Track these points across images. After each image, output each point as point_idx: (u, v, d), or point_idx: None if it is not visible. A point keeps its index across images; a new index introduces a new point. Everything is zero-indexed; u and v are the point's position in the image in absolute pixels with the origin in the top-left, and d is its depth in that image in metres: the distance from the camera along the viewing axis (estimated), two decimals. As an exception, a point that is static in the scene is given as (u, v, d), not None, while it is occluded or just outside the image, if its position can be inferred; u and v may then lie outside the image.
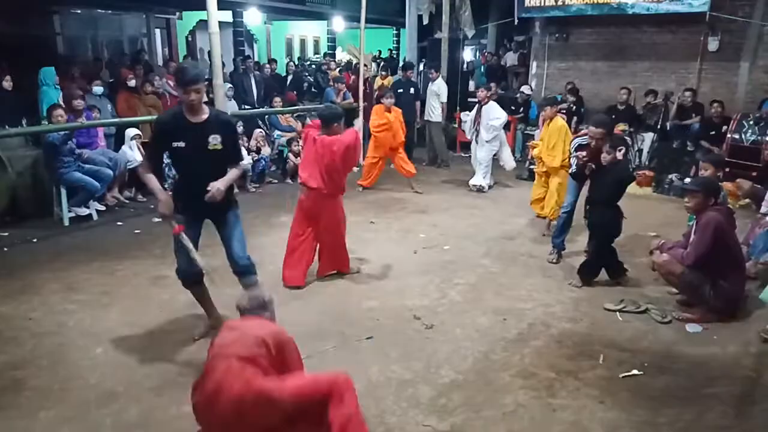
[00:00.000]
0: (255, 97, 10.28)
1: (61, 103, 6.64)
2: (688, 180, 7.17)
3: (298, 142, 8.66)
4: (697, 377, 3.51)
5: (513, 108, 10.30)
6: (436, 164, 9.74)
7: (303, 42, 21.95)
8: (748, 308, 4.36)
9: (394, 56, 18.44)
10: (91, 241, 5.77)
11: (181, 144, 3.48)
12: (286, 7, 14.82)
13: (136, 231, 6.06)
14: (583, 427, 3.02)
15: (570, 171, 5.36)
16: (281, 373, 2.49)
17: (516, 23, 11.04)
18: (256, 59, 14.98)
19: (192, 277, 3.68)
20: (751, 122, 7.92)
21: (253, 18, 15.47)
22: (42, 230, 5.94)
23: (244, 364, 2.37)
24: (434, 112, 9.44)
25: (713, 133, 8.40)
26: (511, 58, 14.30)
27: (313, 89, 11.84)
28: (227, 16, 13.58)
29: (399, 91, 9.09)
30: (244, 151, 7.81)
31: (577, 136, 5.56)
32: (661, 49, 10.03)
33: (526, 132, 10.11)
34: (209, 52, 9.72)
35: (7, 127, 6.06)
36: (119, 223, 6.35)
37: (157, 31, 16.77)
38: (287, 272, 4.73)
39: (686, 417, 3.12)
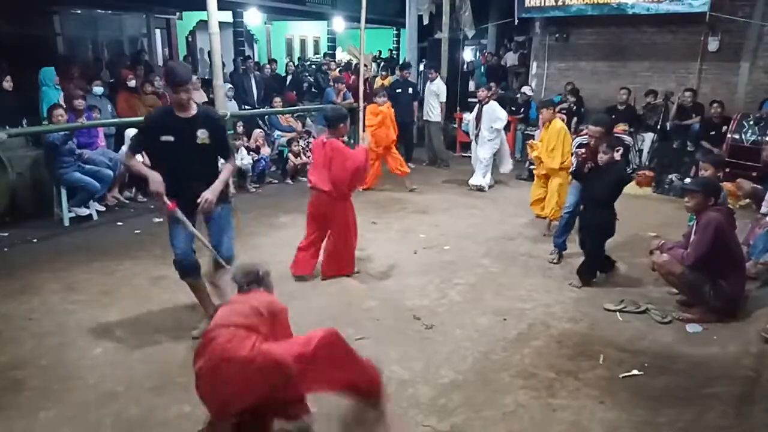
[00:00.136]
0: (255, 98, 10.29)
1: (62, 103, 6.64)
2: (688, 180, 7.17)
3: (298, 142, 8.68)
4: (697, 377, 3.51)
5: (513, 109, 10.30)
6: (436, 164, 9.74)
7: (303, 42, 21.95)
8: (748, 308, 4.36)
9: (395, 56, 18.45)
10: (91, 241, 5.77)
11: (170, 138, 3.57)
12: (286, 7, 14.83)
13: (136, 231, 6.06)
14: (583, 427, 3.02)
15: (570, 170, 5.36)
16: (275, 339, 2.60)
17: (516, 23, 11.04)
18: (256, 59, 14.99)
19: (189, 267, 3.73)
20: (751, 122, 7.92)
21: (253, 18, 15.48)
22: (42, 230, 5.94)
23: (248, 332, 2.48)
24: (433, 112, 9.44)
25: (713, 133, 8.41)
26: (511, 59, 14.30)
27: (313, 89, 11.84)
28: (227, 16, 13.58)
29: (397, 91, 9.10)
30: (243, 151, 7.83)
31: (579, 136, 5.56)
32: (661, 50, 10.03)
33: (526, 132, 10.11)
34: (209, 53, 9.73)
35: (7, 127, 6.05)
36: (119, 224, 6.35)
37: (157, 32, 16.78)
38: (296, 265, 4.87)
39: (686, 417, 3.12)
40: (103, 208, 6.66)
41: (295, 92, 11.11)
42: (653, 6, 9.27)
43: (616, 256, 5.33)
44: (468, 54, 17.08)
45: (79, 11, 14.95)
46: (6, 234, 5.85)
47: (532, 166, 7.29)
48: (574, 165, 5.17)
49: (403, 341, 3.86)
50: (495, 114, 7.89)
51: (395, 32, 20.23)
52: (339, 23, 17.17)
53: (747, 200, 6.35)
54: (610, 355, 3.72)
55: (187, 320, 4.05)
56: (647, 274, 4.93)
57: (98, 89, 7.80)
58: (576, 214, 5.25)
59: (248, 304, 2.64)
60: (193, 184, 3.58)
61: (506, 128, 8.56)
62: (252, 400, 2.53)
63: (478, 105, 8.15)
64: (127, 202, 7.04)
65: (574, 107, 9.78)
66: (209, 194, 3.59)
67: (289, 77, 12.28)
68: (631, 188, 7.36)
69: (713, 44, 9.45)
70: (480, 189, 8.07)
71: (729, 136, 7.98)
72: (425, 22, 11.61)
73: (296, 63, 15.21)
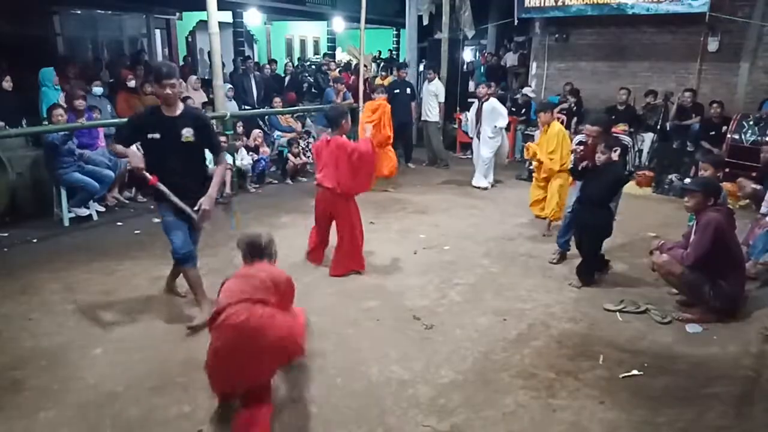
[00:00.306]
0: (255, 98, 10.29)
1: (63, 103, 6.64)
2: (688, 180, 7.17)
3: (299, 143, 8.69)
4: (696, 377, 3.51)
5: (514, 109, 10.31)
6: (435, 164, 9.74)
7: (303, 42, 21.95)
8: (747, 308, 4.36)
9: (394, 57, 18.45)
10: (91, 241, 5.77)
11: (157, 135, 3.78)
12: (286, 8, 14.83)
13: (136, 231, 6.06)
14: (582, 428, 3.02)
15: (569, 167, 5.36)
16: (282, 308, 2.79)
17: (516, 24, 11.04)
18: (256, 60, 14.99)
19: (187, 257, 3.91)
20: (751, 123, 7.92)
21: (253, 18, 15.49)
22: (42, 230, 5.94)
23: (262, 306, 2.64)
24: (431, 112, 9.45)
25: (713, 133, 8.41)
26: (511, 59, 14.31)
27: (312, 90, 11.84)
28: (227, 16, 13.59)
29: (395, 91, 9.10)
30: (243, 152, 7.83)
31: (579, 134, 5.57)
32: (660, 50, 10.03)
33: (525, 132, 10.12)
34: (209, 53, 9.73)
35: (7, 127, 6.06)
36: (119, 224, 6.35)
37: (157, 32, 16.78)
38: (310, 255, 5.19)
39: (686, 417, 3.12)
40: (103, 209, 6.65)
41: (294, 92, 11.12)
42: (653, 6, 9.27)
43: (616, 256, 5.34)
44: (468, 54, 17.08)
45: (79, 11, 14.95)
46: (6, 234, 5.85)
47: (531, 167, 7.29)
48: (572, 162, 5.17)
49: (403, 341, 3.86)
50: (496, 111, 7.90)
51: (395, 32, 20.25)
52: (339, 23, 17.18)
53: (747, 200, 6.36)
54: (609, 355, 3.72)
55: (187, 320, 4.05)
56: (647, 274, 4.93)
57: (98, 89, 7.80)
58: None
59: (257, 277, 2.73)
60: (179, 181, 3.80)
61: (506, 128, 8.56)
62: (272, 372, 2.74)
63: (477, 102, 8.14)
64: (127, 202, 7.03)
65: (574, 107, 9.79)
66: (207, 205, 3.82)
67: (288, 78, 12.28)
68: (631, 188, 7.37)
69: (713, 44, 9.45)
70: (484, 189, 8.08)
71: (729, 136, 7.98)
72: (425, 22, 11.61)
73: (295, 63, 15.21)
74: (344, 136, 4.84)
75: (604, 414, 3.13)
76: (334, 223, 5.00)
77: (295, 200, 6.95)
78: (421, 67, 13.05)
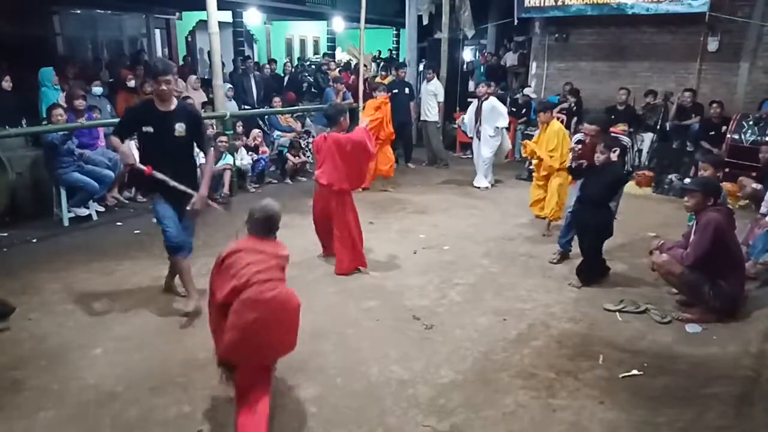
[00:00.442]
0: (255, 98, 10.29)
1: (62, 103, 6.64)
2: (687, 180, 7.17)
3: (300, 144, 8.70)
4: (696, 377, 3.51)
5: (514, 109, 10.30)
6: (435, 164, 9.74)
7: (303, 42, 21.95)
8: (747, 308, 4.36)
9: (394, 56, 18.45)
10: (91, 241, 5.76)
11: (150, 129, 3.94)
12: (286, 8, 14.82)
13: (136, 231, 6.06)
14: (582, 428, 3.02)
15: (567, 166, 5.36)
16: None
17: (516, 23, 11.03)
18: (255, 59, 14.99)
19: (179, 247, 4.04)
20: (751, 123, 7.92)
21: (252, 18, 15.48)
22: (42, 230, 5.94)
23: (282, 283, 2.81)
24: (431, 112, 9.45)
25: (713, 133, 8.41)
26: (510, 59, 14.30)
27: (312, 90, 11.84)
28: (227, 16, 13.57)
29: (394, 91, 9.10)
30: (243, 151, 7.82)
31: (578, 133, 5.57)
32: (660, 50, 10.03)
33: (525, 132, 10.12)
34: (209, 53, 9.73)
35: (7, 127, 6.05)
36: (119, 224, 6.35)
37: (157, 32, 16.78)
38: (325, 251, 5.33)
39: (686, 417, 3.12)
40: (102, 209, 6.65)
41: (294, 92, 11.12)
42: (653, 6, 9.27)
43: (616, 256, 5.34)
44: (468, 54, 17.08)
45: (78, 11, 14.95)
46: (6, 234, 5.84)
47: (531, 167, 7.30)
48: (570, 161, 5.17)
49: (402, 341, 3.86)
50: (495, 111, 7.90)
51: (395, 32, 20.24)
52: (339, 23, 17.18)
53: (746, 201, 6.36)
54: (609, 355, 3.72)
55: (187, 320, 4.05)
56: (647, 274, 4.93)
57: (97, 89, 7.80)
58: None
59: (275, 258, 2.83)
60: (170, 173, 3.92)
61: (506, 128, 8.56)
62: (293, 347, 2.89)
63: (477, 101, 8.14)
64: (126, 202, 7.03)
65: (574, 107, 9.79)
66: (198, 205, 4.02)
67: (287, 77, 12.28)
68: (631, 188, 7.37)
69: (713, 44, 9.45)
70: (485, 188, 8.07)
71: (728, 136, 7.98)
72: (425, 22, 11.60)
73: (295, 63, 15.21)
74: (343, 131, 4.90)
75: (604, 414, 3.13)
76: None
77: (294, 200, 6.95)
78: (421, 67, 13.06)
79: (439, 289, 4.72)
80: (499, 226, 6.50)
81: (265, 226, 2.93)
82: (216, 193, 6.85)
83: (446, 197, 7.78)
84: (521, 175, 8.85)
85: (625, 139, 5.84)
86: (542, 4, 10.39)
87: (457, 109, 10.74)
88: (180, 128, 3.97)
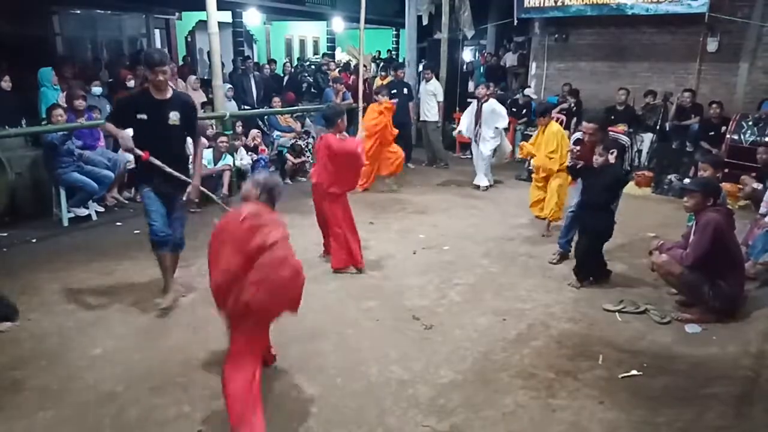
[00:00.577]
0: (254, 98, 10.29)
1: (62, 103, 6.63)
2: (687, 180, 7.17)
3: (301, 146, 8.70)
4: (696, 377, 3.51)
5: (514, 110, 10.30)
6: (435, 164, 9.74)
7: (302, 42, 21.96)
8: (747, 309, 4.36)
9: (394, 57, 18.46)
10: (90, 241, 5.76)
11: (144, 116, 3.97)
12: (286, 8, 14.83)
13: (136, 231, 6.05)
14: (582, 428, 3.03)
15: (567, 165, 5.36)
16: None
17: (515, 24, 11.04)
18: (255, 60, 14.99)
19: (163, 241, 4.10)
20: (750, 123, 7.92)
21: (252, 18, 15.49)
22: (41, 230, 5.94)
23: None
24: (430, 112, 9.45)
25: (712, 133, 8.42)
26: (510, 59, 14.31)
27: (312, 90, 11.84)
28: (227, 16, 13.58)
29: (393, 91, 9.09)
30: (243, 151, 7.82)
31: (577, 131, 5.57)
32: (660, 50, 10.03)
33: (525, 133, 10.12)
34: (209, 53, 9.73)
35: (6, 127, 6.05)
36: (118, 224, 6.35)
37: (157, 32, 16.78)
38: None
39: (685, 417, 3.12)
40: (102, 209, 6.65)
41: (293, 92, 11.12)
42: (652, 6, 9.28)
43: (616, 256, 5.34)
44: (467, 54, 17.08)
45: (78, 11, 14.95)
46: (5, 234, 5.84)
47: (530, 167, 7.30)
48: (569, 161, 5.16)
49: (402, 341, 3.86)
50: (495, 113, 7.89)
51: (394, 32, 20.26)
52: (338, 23, 17.19)
53: (746, 201, 6.36)
54: (609, 355, 3.73)
55: (187, 320, 4.06)
56: (646, 274, 4.93)
57: (97, 89, 7.80)
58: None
59: (281, 226, 2.87)
60: (161, 160, 3.97)
61: (506, 128, 8.56)
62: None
63: (476, 103, 8.13)
64: (126, 202, 7.03)
65: (574, 108, 9.79)
66: (194, 195, 4.17)
67: (286, 78, 12.28)
68: (630, 188, 7.37)
69: (712, 45, 9.46)
70: (485, 189, 8.07)
71: (728, 136, 7.98)
72: (425, 22, 11.61)
73: (294, 63, 15.21)
74: (339, 134, 4.92)
75: (604, 414, 3.13)
76: None
77: (293, 200, 6.95)
78: (421, 68, 13.07)
79: (439, 289, 4.72)
80: (499, 226, 6.50)
81: (270, 197, 3.03)
82: (215, 193, 6.84)
83: (446, 197, 7.78)
84: (521, 175, 8.85)
85: (624, 138, 5.84)
86: (542, 5, 10.40)
87: (457, 109, 10.74)
88: (174, 117, 4.02)
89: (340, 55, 18.43)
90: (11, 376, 3.37)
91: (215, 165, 7.05)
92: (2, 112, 6.58)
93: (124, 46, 16.16)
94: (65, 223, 6.15)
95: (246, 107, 9.80)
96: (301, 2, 14.94)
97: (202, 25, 13.66)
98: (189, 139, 4.50)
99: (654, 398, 3.28)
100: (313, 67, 14.38)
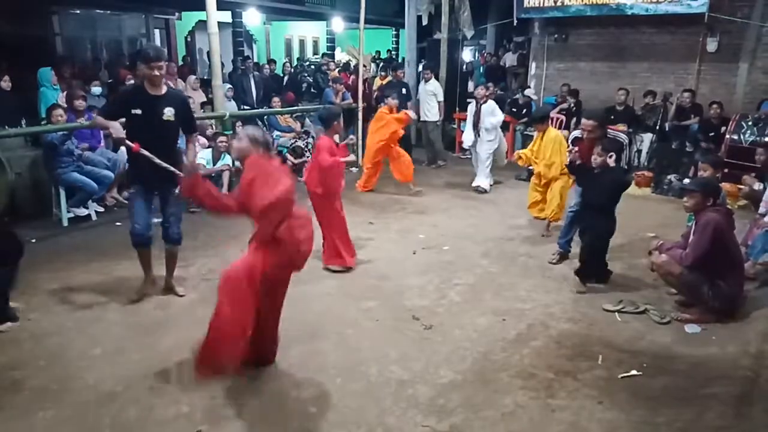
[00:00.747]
0: (254, 98, 10.29)
1: (62, 102, 6.63)
2: (687, 181, 7.17)
3: (302, 149, 8.70)
4: (695, 377, 3.51)
5: (514, 110, 10.30)
6: (434, 164, 9.74)
7: (302, 42, 21.98)
8: (746, 309, 4.37)
9: (394, 57, 18.47)
10: (90, 241, 5.76)
11: (139, 111, 3.99)
12: (286, 8, 14.84)
13: (135, 231, 6.05)
14: (582, 428, 3.03)
15: (566, 164, 5.36)
16: None
17: (515, 24, 11.03)
18: (255, 60, 14.99)
19: (144, 240, 4.24)
20: (750, 123, 7.92)
21: (252, 18, 15.50)
22: (41, 230, 5.93)
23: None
24: (430, 112, 9.44)
25: (712, 133, 8.42)
26: (510, 59, 14.32)
27: (312, 90, 11.85)
28: (226, 16, 13.59)
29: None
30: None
31: (575, 129, 5.57)
32: (659, 50, 10.03)
33: (525, 133, 10.12)
34: (208, 53, 9.71)
35: (6, 127, 6.05)
36: (118, 224, 6.33)
37: (156, 32, 16.78)
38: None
39: (685, 417, 3.12)
40: (101, 209, 6.64)
41: (293, 92, 11.12)
42: (652, 7, 9.27)
43: (616, 256, 5.34)
44: (467, 54, 17.10)
45: (78, 11, 14.96)
46: (5, 234, 5.83)
47: (530, 167, 7.29)
48: (568, 160, 5.16)
49: (402, 341, 3.86)
50: (494, 114, 7.88)
51: (394, 32, 20.28)
52: (338, 23, 17.20)
53: (746, 201, 6.36)
54: (608, 355, 3.73)
55: (187, 321, 4.05)
56: (646, 274, 4.94)
57: (96, 89, 7.80)
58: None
59: (290, 175, 3.04)
60: (155, 155, 3.97)
61: (505, 128, 8.54)
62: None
63: (475, 103, 8.12)
64: (125, 202, 6.99)
65: (574, 108, 9.79)
66: (189, 167, 3.98)
67: (286, 78, 12.28)
68: (630, 188, 7.34)
69: (712, 45, 9.46)
70: (484, 191, 8.05)
71: (728, 136, 7.98)
72: (424, 22, 11.61)
73: (294, 63, 15.21)
74: (336, 134, 5.01)
75: (603, 414, 3.13)
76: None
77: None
78: (421, 68, 13.07)
79: (439, 290, 4.72)
80: (499, 226, 6.50)
81: (266, 147, 3.14)
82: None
83: (446, 197, 7.78)
84: (521, 175, 8.84)
85: (622, 136, 5.83)
86: (542, 5, 10.39)
87: (457, 109, 10.74)
88: (169, 112, 4.04)
89: (340, 55, 18.44)
90: (11, 376, 3.36)
91: (214, 165, 7.04)
92: (2, 112, 6.59)
93: (124, 46, 16.16)
94: (65, 223, 6.15)
95: (246, 107, 9.80)
96: (300, 2, 14.95)
97: (202, 25, 13.66)
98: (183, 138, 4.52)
99: (653, 398, 3.28)
100: (312, 67, 14.40)
